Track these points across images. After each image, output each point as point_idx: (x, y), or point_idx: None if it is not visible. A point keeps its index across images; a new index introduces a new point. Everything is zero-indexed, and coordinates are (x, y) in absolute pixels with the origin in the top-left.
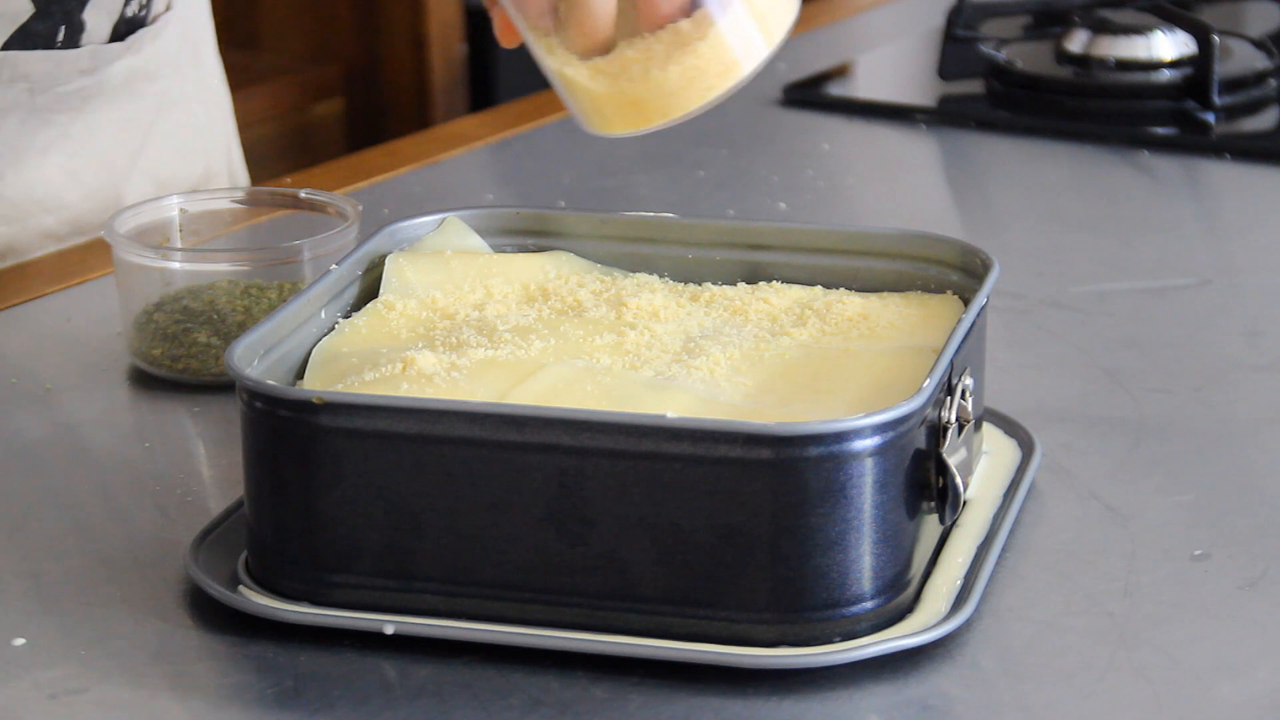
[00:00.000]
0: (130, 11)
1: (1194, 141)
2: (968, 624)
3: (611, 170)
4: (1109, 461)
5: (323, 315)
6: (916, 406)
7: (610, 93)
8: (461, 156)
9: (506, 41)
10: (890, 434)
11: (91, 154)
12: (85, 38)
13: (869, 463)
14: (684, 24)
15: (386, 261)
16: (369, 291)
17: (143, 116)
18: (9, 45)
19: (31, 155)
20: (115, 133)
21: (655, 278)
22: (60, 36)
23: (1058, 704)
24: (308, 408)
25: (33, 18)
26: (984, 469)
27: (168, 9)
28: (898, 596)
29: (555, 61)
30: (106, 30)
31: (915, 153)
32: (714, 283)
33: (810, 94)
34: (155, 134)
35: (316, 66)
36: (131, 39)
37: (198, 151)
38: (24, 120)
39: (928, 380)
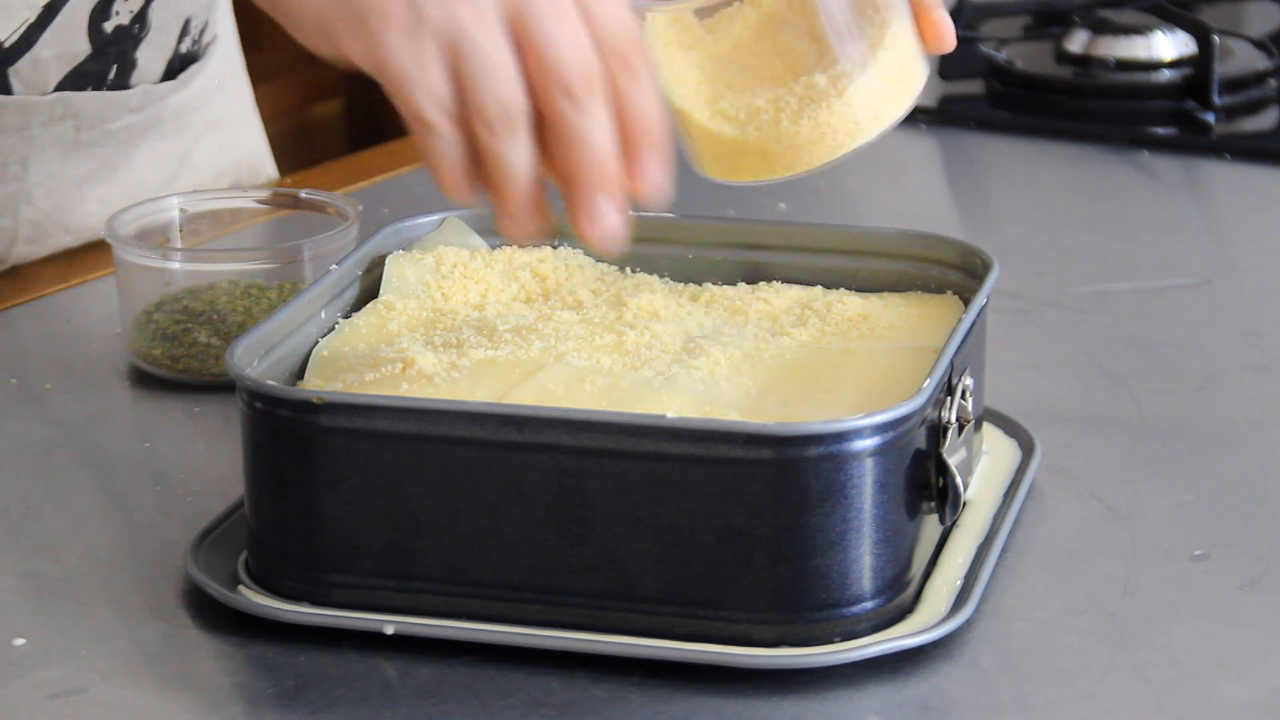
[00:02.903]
0: (185, 47)
1: (1194, 141)
2: (968, 624)
3: None
4: (1109, 461)
5: (323, 315)
6: (916, 406)
7: (735, 138)
8: None
9: None
10: (890, 434)
11: (129, 184)
12: (136, 76)
13: (869, 463)
14: (820, 79)
15: (386, 261)
16: (369, 291)
17: (184, 145)
18: (61, 85)
19: (68, 184)
20: (156, 163)
21: (655, 278)
22: (112, 75)
23: (1058, 704)
24: (308, 408)
25: (88, 58)
26: (984, 469)
27: (214, 39)
28: (898, 596)
29: (679, 100)
30: (160, 67)
31: (915, 153)
32: (714, 283)
33: None
34: (191, 160)
35: (316, 66)
36: (183, 75)
37: (228, 170)
38: (65, 153)
39: (928, 380)
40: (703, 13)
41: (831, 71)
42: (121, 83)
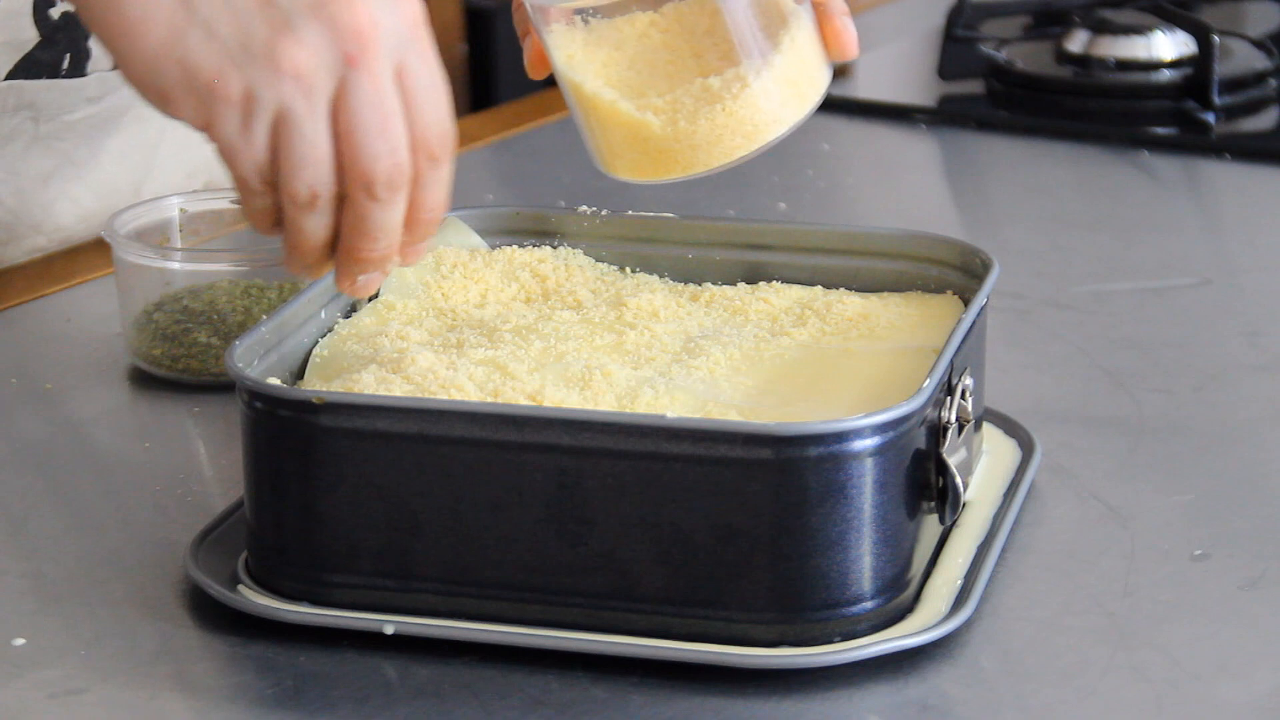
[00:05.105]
0: None
1: (1194, 141)
2: (968, 624)
3: None
4: (1109, 461)
5: (323, 315)
6: (916, 406)
7: (637, 133)
8: (461, 156)
9: (536, 74)
10: (890, 434)
11: (96, 180)
12: (91, 65)
13: (869, 463)
14: (714, 81)
15: None
16: None
17: (148, 140)
18: (13, 74)
19: (34, 181)
20: (121, 158)
21: (655, 278)
22: (65, 65)
23: (1058, 704)
24: (308, 408)
25: (37, 46)
26: (984, 469)
27: None
28: (898, 596)
29: (590, 91)
30: None
31: (915, 153)
32: (714, 283)
33: None
34: (159, 157)
35: None
36: None
37: (200, 169)
38: (28, 147)
39: (928, 380)
40: (607, 11)
41: (727, 74)
42: (76, 72)
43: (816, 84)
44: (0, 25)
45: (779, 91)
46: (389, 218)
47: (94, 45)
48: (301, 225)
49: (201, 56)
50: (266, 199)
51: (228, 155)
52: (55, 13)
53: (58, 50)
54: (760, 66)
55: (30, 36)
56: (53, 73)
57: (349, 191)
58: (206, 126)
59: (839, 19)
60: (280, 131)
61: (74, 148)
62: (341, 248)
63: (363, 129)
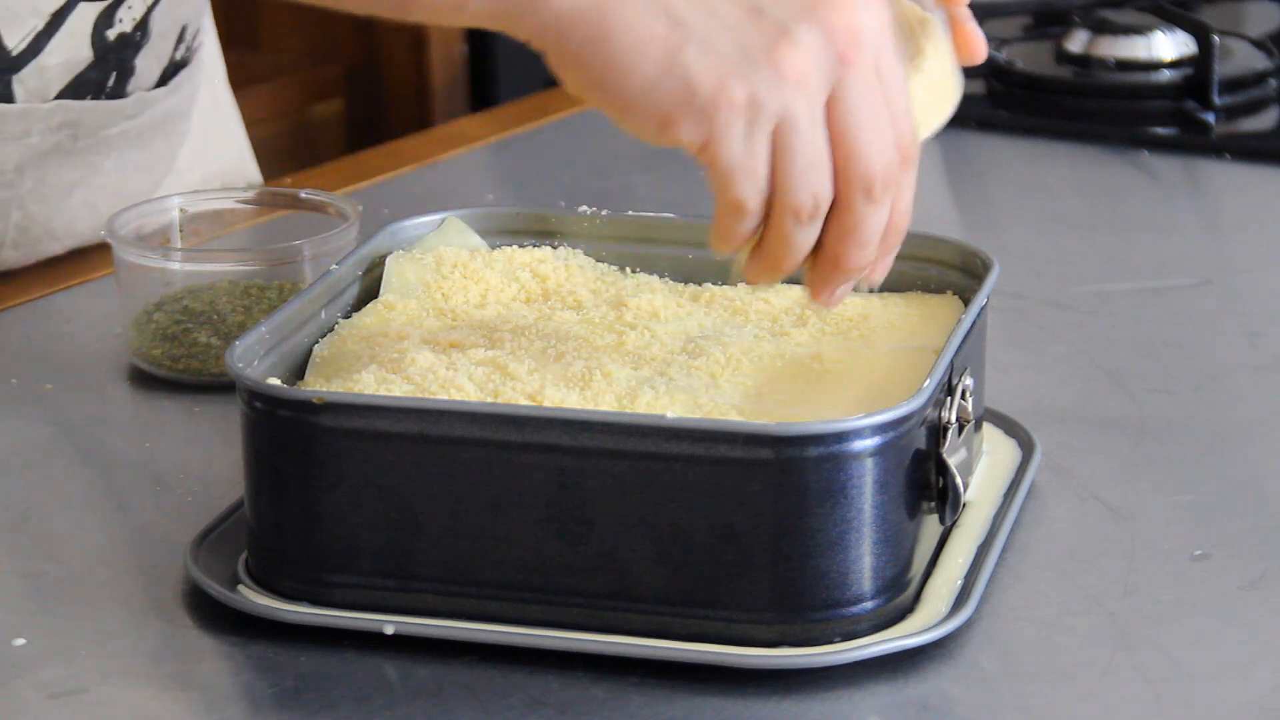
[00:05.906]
0: (179, 55)
1: (1194, 141)
2: (968, 624)
3: (611, 170)
4: (1109, 461)
5: (323, 315)
6: (916, 407)
7: None
8: (461, 156)
9: None
10: (890, 434)
11: (115, 190)
12: (133, 83)
13: (869, 463)
14: None
15: (386, 261)
16: (369, 291)
17: (170, 152)
18: (63, 94)
19: (58, 190)
20: (143, 169)
21: (655, 278)
22: (111, 82)
23: (1058, 704)
24: (308, 408)
25: (90, 66)
26: (984, 469)
27: (201, 45)
28: (898, 596)
29: None
30: (155, 75)
31: None
32: (714, 283)
33: None
34: (177, 167)
35: (316, 66)
36: (174, 82)
37: (215, 175)
38: (61, 161)
39: (928, 380)
40: None
41: None
42: (119, 90)
43: (955, 89)
44: (60, 46)
45: (926, 96)
46: (879, 220)
47: (139, 63)
48: (794, 239)
49: (702, 70)
50: (756, 221)
51: (727, 174)
52: (111, 34)
53: (107, 69)
54: (909, 72)
55: (85, 56)
56: (98, 91)
57: (845, 196)
58: (707, 145)
59: (969, 24)
60: (782, 139)
61: (102, 160)
62: (825, 257)
63: (861, 128)
